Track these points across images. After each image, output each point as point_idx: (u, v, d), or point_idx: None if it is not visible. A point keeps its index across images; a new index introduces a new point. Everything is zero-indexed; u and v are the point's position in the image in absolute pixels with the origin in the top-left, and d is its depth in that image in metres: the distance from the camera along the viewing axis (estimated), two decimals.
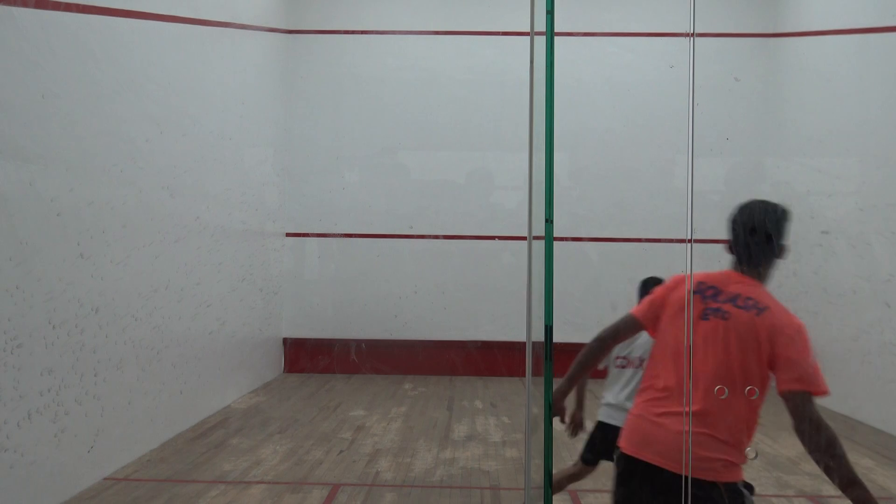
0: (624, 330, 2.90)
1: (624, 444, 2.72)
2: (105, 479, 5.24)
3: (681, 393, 2.60)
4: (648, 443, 2.62)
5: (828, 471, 2.45)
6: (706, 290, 2.66)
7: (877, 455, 6.26)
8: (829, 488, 5.38)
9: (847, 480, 2.45)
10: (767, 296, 2.61)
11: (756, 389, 2.51)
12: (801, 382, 2.47)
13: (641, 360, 3.92)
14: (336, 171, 9.92)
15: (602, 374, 4.00)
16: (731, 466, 2.56)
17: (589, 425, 4.14)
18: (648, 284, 3.92)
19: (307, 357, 9.84)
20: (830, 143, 8.31)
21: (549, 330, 2.69)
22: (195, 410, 6.99)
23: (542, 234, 2.64)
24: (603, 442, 3.99)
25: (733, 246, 2.69)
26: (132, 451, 5.73)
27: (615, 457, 2.83)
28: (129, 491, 5.05)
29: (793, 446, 6.44)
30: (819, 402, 2.55)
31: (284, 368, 9.86)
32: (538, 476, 2.68)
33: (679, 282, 2.77)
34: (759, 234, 2.64)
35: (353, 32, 9.96)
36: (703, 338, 2.59)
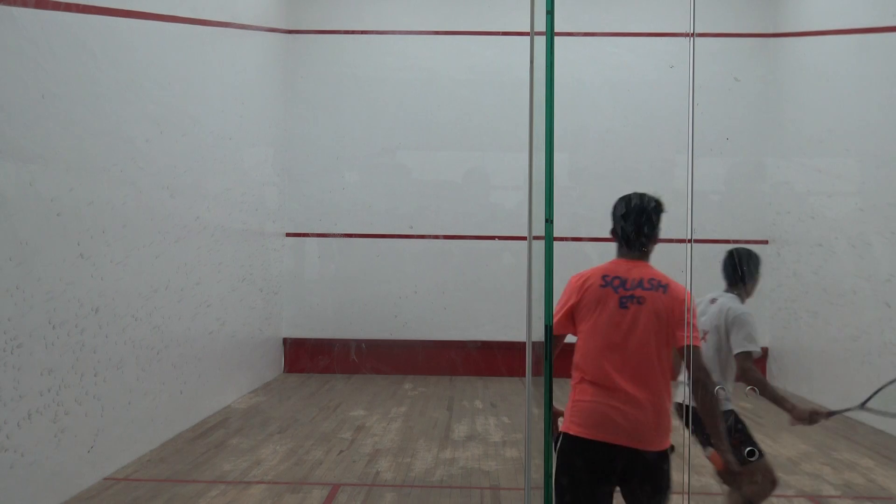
0: (554, 345, 3.01)
1: (577, 428, 2.94)
2: (105, 479, 5.24)
3: (613, 380, 2.91)
4: (605, 424, 2.90)
5: (701, 403, 3.01)
6: (613, 281, 2.99)
7: (877, 455, 6.26)
8: (829, 488, 5.38)
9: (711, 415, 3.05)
10: (660, 273, 3.02)
11: (756, 389, 2.66)
12: (695, 339, 2.92)
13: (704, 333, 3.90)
14: (336, 171, 9.92)
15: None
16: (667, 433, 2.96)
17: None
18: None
19: (307, 357, 9.84)
20: (830, 143, 8.31)
21: (549, 330, 2.70)
22: (195, 410, 6.99)
23: (542, 234, 2.65)
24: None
25: (617, 234, 3.09)
26: (132, 451, 5.73)
27: (559, 441, 3.00)
28: (129, 491, 5.05)
29: (792, 446, 6.44)
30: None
31: (284, 368, 9.86)
32: (538, 476, 2.68)
33: (582, 279, 3.06)
34: (637, 222, 3.03)
35: (353, 32, 9.95)
36: (629, 324, 2.92)
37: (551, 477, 2.73)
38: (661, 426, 2.90)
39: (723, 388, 3.71)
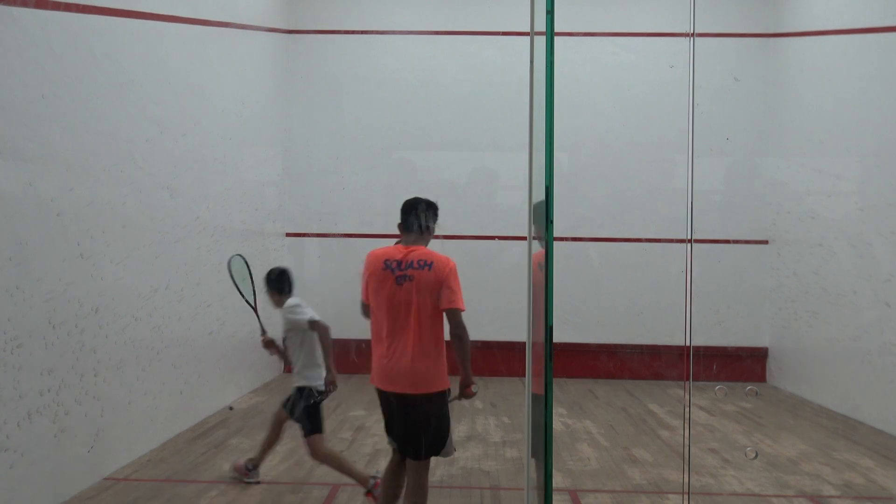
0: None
1: (377, 382, 4.00)
2: (105, 479, 5.24)
3: (395, 335, 3.91)
4: (392, 377, 3.89)
5: (459, 357, 4.00)
6: (392, 264, 3.88)
7: (877, 455, 6.26)
8: (829, 488, 5.38)
9: (466, 370, 4.05)
10: (430, 253, 3.91)
11: (756, 390, 2.79)
12: (455, 303, 3.90)
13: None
14: (336, 171, 9.92)
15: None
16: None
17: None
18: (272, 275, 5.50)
19: None
20: (830, 143, 8.31)
21: (549, 330, 2.70)
22: (195, 410, 6.99)
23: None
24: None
25: (401, 226, 3.99)
26: (132, 451, 5.73)
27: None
28: (129, 491, 5.05)
29: (792, 446, 6.44)
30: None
31: (284, 368, 9.85)
32: (538, 476, 2.69)
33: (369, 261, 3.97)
34: (414, 215, 3.96)
35: (353, 32, 9.95)
36: (403, 296, 3.83)
37: (551, 477, 2.73)
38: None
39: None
